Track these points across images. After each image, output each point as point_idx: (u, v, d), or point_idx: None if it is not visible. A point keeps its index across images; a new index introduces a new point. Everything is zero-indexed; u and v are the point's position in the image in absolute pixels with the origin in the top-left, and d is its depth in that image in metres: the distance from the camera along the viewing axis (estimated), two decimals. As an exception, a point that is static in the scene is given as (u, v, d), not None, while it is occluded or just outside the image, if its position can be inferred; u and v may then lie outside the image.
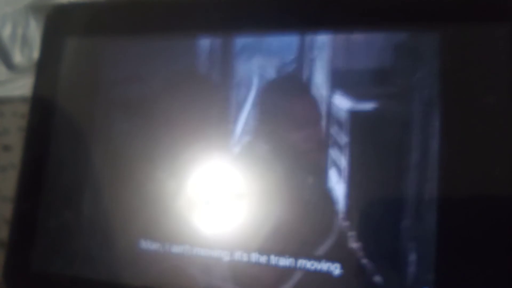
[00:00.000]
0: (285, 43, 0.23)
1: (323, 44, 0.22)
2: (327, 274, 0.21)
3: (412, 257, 0.20)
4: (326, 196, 0.21)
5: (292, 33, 0.23)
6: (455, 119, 0.20)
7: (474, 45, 0.20)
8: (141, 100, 0.25)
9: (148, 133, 0.24)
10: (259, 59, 0.23)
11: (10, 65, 0.29)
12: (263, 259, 0.22)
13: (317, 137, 0.22)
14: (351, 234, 0.21)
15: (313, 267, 0.21)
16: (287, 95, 0.23)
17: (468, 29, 0.20)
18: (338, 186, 0.21)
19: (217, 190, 0.23)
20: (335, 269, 0.21)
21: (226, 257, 0.22)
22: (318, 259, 0.21)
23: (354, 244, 0.20)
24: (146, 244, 0.23)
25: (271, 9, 0.23)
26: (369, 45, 0.22)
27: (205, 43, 0.24)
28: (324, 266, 0.21)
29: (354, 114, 0.21)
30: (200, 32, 0.24)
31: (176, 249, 0.23)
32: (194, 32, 0.24)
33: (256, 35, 0.23)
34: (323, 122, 0.22)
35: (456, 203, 0.19)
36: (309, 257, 0.21)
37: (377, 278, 0.20)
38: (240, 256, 0.22)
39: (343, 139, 0.21)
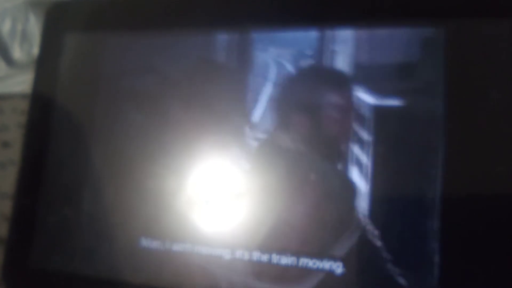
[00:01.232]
0: (304, 35, 0.23)
1: (345, 38, 0.22)
2: (330, 274, 0.21)
3: (436, 259, 0.19)
4: (348, 193, 0.21)
5: (311, 29, 0.23)
6: (464, 114, 0.20)
7: (480, 40, 0.20)
8: (142, 96, 0.25)
9: (149, 129, 0.24)
10: (277, 50, 0.23)
11: (9, 61, 0.29)
12: (285, 259, 0.21)
13: (343, 132, 0.22)
14: (374, 233, 0.20)
15: (322, 267, 0.21)
16: (322, 87, 0.22)
17: (474, 25, 0.20)
18: (359, 184, 0.21)
19: (221, 188, 0.23)
20: (337, 267, 0.20)
21: (227, 255, 0.22)
22: (335, 258, 0.21)
23: (376, 243, 0.20)
24: (147, 242, 0.23)
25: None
26: (392, 39, 0.21)
27: (221, 37, 0.24)
28: (326, 264, 0.21)
29: (378, 110, 0.21)
30: (212, 28, 0.24)
31: (177, 247, 0.23)
32: (206, 27, 0.24)
33: (274, 31, 0.23)
34: (352, 117, 0.21)
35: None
36: (328, 257, 0.21)
37: (400, 279, 0.20)
38: (242, 254, 0.22)
39: (366, 135, 0.21)
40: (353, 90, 0.21)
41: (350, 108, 0.21)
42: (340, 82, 0.22)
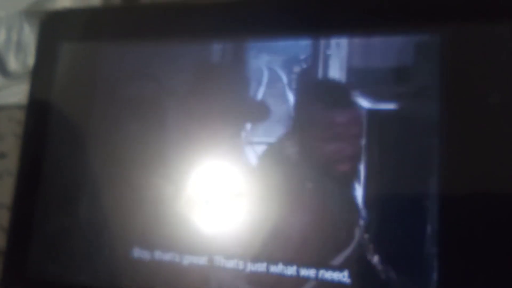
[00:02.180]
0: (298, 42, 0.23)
1: (338, 43, 0.22)
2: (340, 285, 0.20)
3: (434, 264, 0.19)
4: (350, 205, 0.21)
5: (304, 38, 0.23)
6: (459, 118, 0.20)
7: (476, 45, 0.20)
8: (138, 103, 0.25)
9: (145, 138, 0.24)
10: (270, 56, 0.23)
11: (5, 72, 0.29)
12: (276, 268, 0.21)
13: (351, 150, 0.21)
14: (371, 240, 0.20)
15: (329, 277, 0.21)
16: (331, 104, 0.22)
17: (471, 30, 0.20)
18: (357, 193, 0.21)
19: (218, 194, 0.23)
20: (344, 277, 0.20)
21: (222, 264, 0.22)
22: (335, 268, 0.21)
23: (373, 251, 0.20)
24: (140, 252, 0.23)
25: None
26: (387, 45, 0.21)
27: (217, 44, 0.24)
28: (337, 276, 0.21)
29: (372, 114, 0.21)
30: (208, 36, 0.24)
31: (169, 256, 0.23)
32: (202, 36, 0.24)
33: (269, 40, 0.23)
34: (362, 138, 0.21)
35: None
36: (326, 267, 0.21)
37: (397, 285, 0.20)
38: (236, 264, 0.22)
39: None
40: (357, 108, 0.21)
41: (351, 128, 0.21)
42: (341, 102, 0.22)
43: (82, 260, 0.24)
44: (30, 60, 0.29)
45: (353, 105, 0.21)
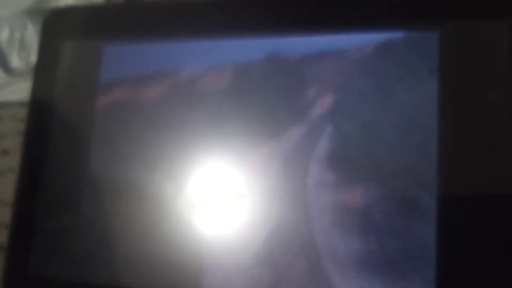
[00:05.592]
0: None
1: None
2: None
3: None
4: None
5: (313, 34, 0.23)
6: (456, 118, 0.20)
7: (475, 43, 0.20)
8: (141, 102, 0.25)
9: (148, 136, 0.24)
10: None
11: (7, 69, 0.29)
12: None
13: None
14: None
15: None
16: None
17: (468, 27, 0.20)
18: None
19: (221, 190, 0.23)
20: None
21: (227, 260, 0.22)
22: None
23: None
24: (145, 248, 0.23)
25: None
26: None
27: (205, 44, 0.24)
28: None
29: None
30: (212, 35, 0.24)
31: (174, 252, 0.23)
32: (205, 34, 0.24)
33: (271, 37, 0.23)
34: None
35: (461, 208, 0.19)
36: None
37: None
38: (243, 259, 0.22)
39: None
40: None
41: None
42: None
43: (83, 258, 0.24)
44: (33, 58, 0.29)
45: None
